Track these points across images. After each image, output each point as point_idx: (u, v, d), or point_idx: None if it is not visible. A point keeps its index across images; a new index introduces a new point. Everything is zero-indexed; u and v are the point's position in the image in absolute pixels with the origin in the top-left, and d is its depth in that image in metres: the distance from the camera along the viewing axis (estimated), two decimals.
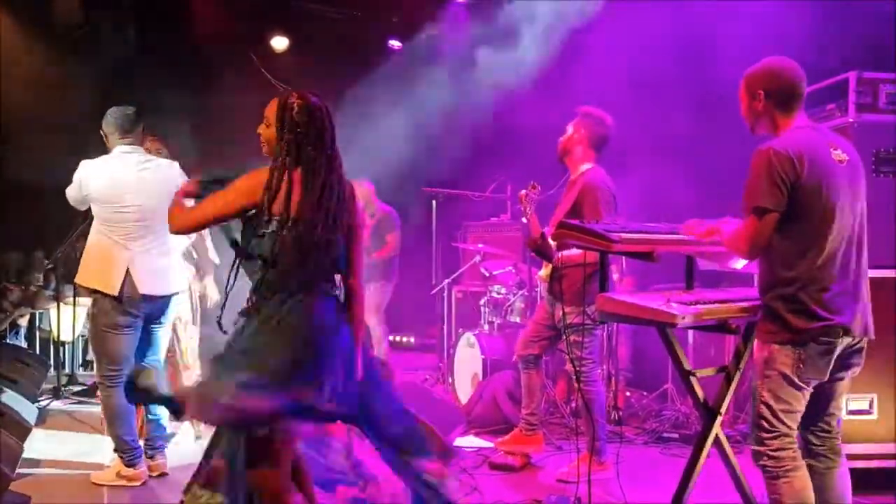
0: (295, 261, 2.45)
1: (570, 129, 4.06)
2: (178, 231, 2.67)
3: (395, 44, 8.24)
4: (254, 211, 2.49)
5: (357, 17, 7.99)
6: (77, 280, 3.85)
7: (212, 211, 2.54)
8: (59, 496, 3.69)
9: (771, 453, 2.52)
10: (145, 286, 3.74)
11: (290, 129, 2.50)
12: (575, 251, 3.33)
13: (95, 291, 3.74)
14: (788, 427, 2.52)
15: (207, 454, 2.50)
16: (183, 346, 4.52)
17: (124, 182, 3.77)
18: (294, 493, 2.51)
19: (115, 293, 3.69)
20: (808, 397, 2.54)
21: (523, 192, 3.86)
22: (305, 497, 2.59)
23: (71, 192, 3.84)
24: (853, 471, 2.74)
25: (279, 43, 7.93)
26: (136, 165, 3.83)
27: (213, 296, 4.77)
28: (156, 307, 3.84)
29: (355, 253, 2.65)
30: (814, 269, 2.48)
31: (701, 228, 2.80)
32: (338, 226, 2.52)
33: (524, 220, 3.91)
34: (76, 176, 3.79)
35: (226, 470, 2.39)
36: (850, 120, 3.69)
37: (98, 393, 3.81)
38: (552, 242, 3.80)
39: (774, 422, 2.52)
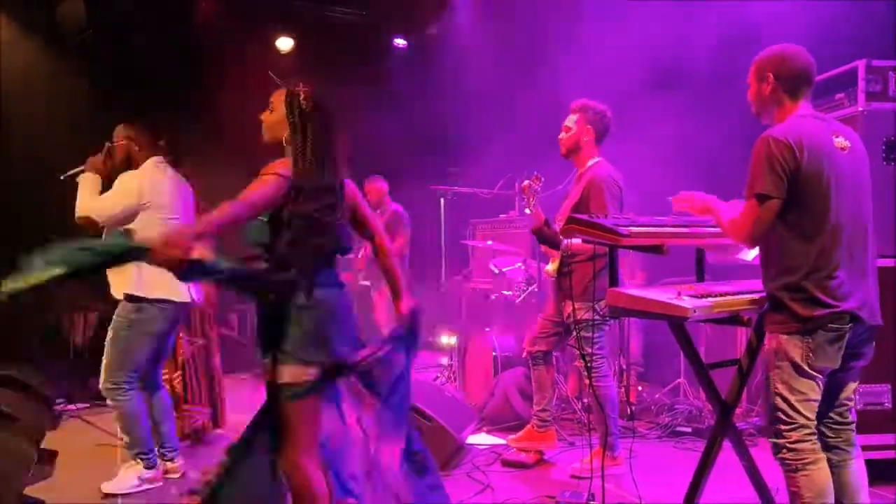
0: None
1: (572, 126, 4.03)
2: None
3: (400, 43, 8.25)
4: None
5: (362, 16, 7.99)
6: (133, 291, 3.73)
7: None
8: (73, 500, 3.70)
9: (790, 445, 2.50)
10: (192, 293, 3.92)
11: (298, 114, 2.57)
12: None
13: (155, 300, 3.74)
14: (806, 418, 2.50)
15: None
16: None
17: (172, 191, 3.85)
18: (319, 471, 2.56)
19: (189, 299, 3.85)
20: (822, 386, 2.52)
21: (526, 182, 3.85)
22: None
23: (118, 206, 3.69)
24: (869, 462, 2.72)
25: (284, 44, 7.94)
26: (172, 175, 3.92)
27: None
28: (183, 314, 3.97)
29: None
30: (818, 257, 2.47)
31: (696, 202, 2.78)
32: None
33: (527, 211, 3.89)
34: (127, 187, 3.72)
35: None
36: (860, 108, 3.66)
37: (115, 399, 3.75)
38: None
39: (792, 413, 2.50)
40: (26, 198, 6.37)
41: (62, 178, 3.89)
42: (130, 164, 3.87)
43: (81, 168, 3.86)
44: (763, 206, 2.47)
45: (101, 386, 3.74)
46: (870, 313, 2.53)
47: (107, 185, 3.83)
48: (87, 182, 3.80)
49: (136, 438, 3.79)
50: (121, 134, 3.90)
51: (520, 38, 6.78)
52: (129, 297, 3.74)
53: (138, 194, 3.71)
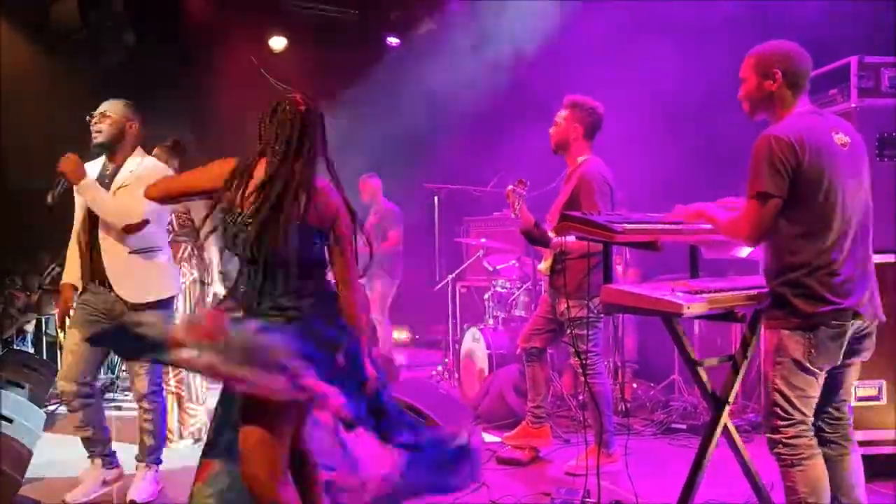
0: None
1: (560, 122, 4.02)
2: (152, 198, 2.67)
3: (392, 41, 8.24)
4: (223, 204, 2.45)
5: (355, 14, 7.98)
6: (165, 293, 3.65)
7: (177, 184, 2.67)
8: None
9: (786, 441, 2.50)
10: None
11: (267, 127, 2.46)
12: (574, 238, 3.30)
13: (172, 297, 3.73)
14: (804, 414, 2.50)
15: (205, 454, 2.53)
16: None
17: None
18: (287, 485, 2.40)
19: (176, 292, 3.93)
20: (821, 383, 2.52)
21: (510, 187, 3.83)
22: (309, 495, 2.56)
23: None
24: (865, 457, 2.72)
25: (277, 43, 7.93)
26: None
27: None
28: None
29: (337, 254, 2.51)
30: (820, 253, 2.47)
31: (687, 211, 2.79)
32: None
33: (513, 215, 3.88)
34: (158, 173, 3.52)
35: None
36: (853, 105, 3.67)
37: (155, 400, 3.71)
38: (551, 235, 3.79)
39: (789, 409, 2.50)
40: (24, 198, 6.35)
41: (50, 202, 3.43)
42: (120, 144, 3.62)
43: (60, 182, 3.46)
44: (765, 205, 2.47)
45: (145, 390, 3.64)
46: (872, 311, 2.54)
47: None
48: (91, 188, 3.46)
49: (161, 438, 3.78)
50: (121, 112, 3.63)
51: (513, 34, 6.78)
52: (164, 301, 3.63)
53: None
